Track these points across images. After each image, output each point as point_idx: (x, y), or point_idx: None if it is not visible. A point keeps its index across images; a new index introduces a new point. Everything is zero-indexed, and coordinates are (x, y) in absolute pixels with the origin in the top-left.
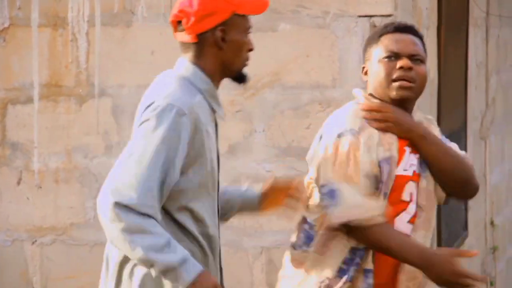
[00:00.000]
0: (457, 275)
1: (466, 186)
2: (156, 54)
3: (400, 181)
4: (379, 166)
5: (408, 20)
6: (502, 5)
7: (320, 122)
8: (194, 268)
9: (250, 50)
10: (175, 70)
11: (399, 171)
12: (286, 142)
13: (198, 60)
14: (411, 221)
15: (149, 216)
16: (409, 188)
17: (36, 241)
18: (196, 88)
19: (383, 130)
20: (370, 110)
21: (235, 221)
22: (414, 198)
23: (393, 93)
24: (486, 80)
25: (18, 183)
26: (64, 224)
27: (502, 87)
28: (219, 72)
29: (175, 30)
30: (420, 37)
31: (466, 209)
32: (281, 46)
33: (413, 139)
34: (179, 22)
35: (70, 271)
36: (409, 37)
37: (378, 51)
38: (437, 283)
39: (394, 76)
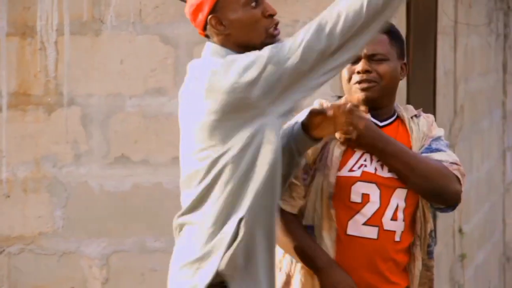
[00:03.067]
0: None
1: (441, 196)
2: (125, 63)
3: (344, 183)
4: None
5: None
6: (470, 14)
7: None
8: None
9: (268, 15)
10: (204, 53)
11: (343, 172)
12: None
13: (222, 47)
14: (371, 222)
15: None
16: (359, 189)
17: (4, 250)
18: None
19: (343, 140)
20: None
21: None
22: (374, 198)
23: (356, 96)
24: (455, 88)
25: None
26: (33, 233)
27: (470, 95)
28: (244, 51)
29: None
30: (389, 32)
31: (434, 217)
32: None
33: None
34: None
35: (39, 280)
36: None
37: None
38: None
39: (354, 80)
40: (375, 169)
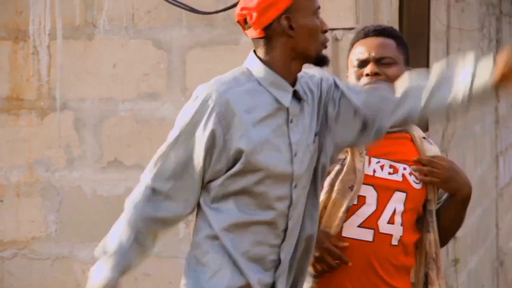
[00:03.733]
0: (323, 250)
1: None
2: (118, 67)
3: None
4: None
5: None
6: (462, 19)
7: None
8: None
9: (325, 31)
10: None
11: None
12: None
13: (270, 53)
14: (366, 225)
15: None
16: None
17: None
18: (253, 76)
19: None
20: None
21: None
22: (370, 201)
23: None
24: None
25: None
26: (26, 238)
27: None
28: (294, 60)
29: (244, 28)
30: (395, 37)
31: None
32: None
33: (452, 194)
34: (245, 20)
35: (32, 285)
36: (378, 40)
37: (350, 60)
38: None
39: (362, 83)
40: (374, 171)
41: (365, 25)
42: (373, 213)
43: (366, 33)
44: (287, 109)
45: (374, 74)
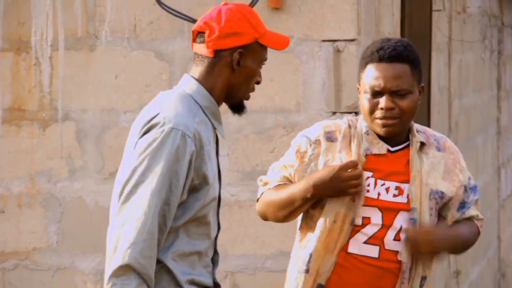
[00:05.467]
0: (341, 180)
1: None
2: (119, 78)
3: None
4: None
5: None
6: (464, 30)
7: (284, 146)
8: None
9: (258, 82)
10: (179, 86)
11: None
12: (250, 166)
13: (207, 76)
14: (372, 241)
15: None
16: (360, 213)
17: None
18: (197, 104)
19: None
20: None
21: None
22: (376, 221)
23: (378, 130)
24: (449, 104)
25: None
26: (27, 248)
27: (464, 111)
28: (224, 94)
29: (194, 40)
30: (410, 61)
31: None
32: None
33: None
34: (200, 33)
35: None
36: (394, 69)
37: (363, 82)
38: (331, 194)
39: (377, 115)
40: (378, 194)
41: (378, 43)
42: (378, 230)
43: (381, 57)
44: (217, 140)
45: (389, 109)
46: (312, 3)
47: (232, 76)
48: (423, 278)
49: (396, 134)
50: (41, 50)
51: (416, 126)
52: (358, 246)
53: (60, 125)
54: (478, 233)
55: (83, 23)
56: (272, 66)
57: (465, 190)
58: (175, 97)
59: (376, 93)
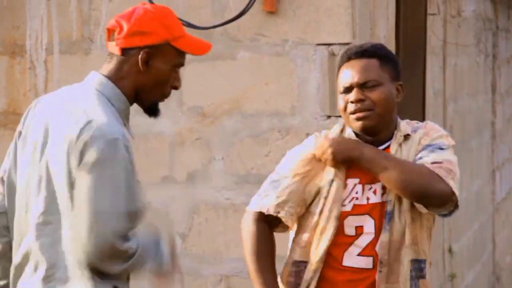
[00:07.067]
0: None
1: (424, 196)
2: None
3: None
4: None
5: None
6: (458, 34)
7: (279, 150)
8: None
9: (176, 88)
10: (91, 84)
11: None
12: (245, 169)
13: (116, 75)
14: (366, 253)
15: None
16: (352, 222)
17: None
18: (114, 107)
19: (332, 166)
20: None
21: (194, 248)
22: (369, 229)
23: (354, 126)
24: (444, 108)
25: None
26: None
27: (459, 114)
28: (133, 95)
29: (108, 38)
30: (378, 56)
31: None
32: (240, 74)
33: (355, 163)
34: (114, 31)
35: None
36: (361, 63)
37: (338, 85)
38: None
39: (349, 110)
40: (367, 199)
41: (348, 47)
42: (370, 241)
43: (349, 56)
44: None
45: (358, 101)
46: (307, 7)
47: (141, 76)
48: (422, 261)
49: (373, 128)
50: (36, 54)
51: (406, 121)
52: (352, 258)
53: None
54: (425, 167)
55: (78, 26)
56: (267, 70)
57: (423, 149)
58: (95, 98)
59: (347, 90)
